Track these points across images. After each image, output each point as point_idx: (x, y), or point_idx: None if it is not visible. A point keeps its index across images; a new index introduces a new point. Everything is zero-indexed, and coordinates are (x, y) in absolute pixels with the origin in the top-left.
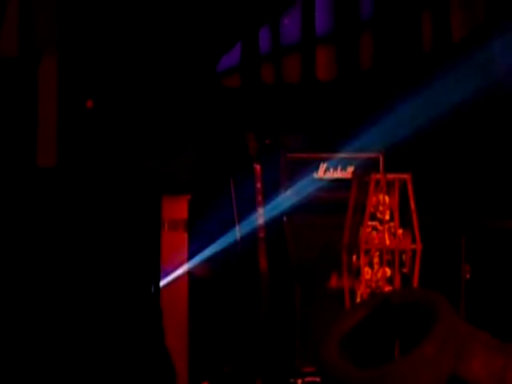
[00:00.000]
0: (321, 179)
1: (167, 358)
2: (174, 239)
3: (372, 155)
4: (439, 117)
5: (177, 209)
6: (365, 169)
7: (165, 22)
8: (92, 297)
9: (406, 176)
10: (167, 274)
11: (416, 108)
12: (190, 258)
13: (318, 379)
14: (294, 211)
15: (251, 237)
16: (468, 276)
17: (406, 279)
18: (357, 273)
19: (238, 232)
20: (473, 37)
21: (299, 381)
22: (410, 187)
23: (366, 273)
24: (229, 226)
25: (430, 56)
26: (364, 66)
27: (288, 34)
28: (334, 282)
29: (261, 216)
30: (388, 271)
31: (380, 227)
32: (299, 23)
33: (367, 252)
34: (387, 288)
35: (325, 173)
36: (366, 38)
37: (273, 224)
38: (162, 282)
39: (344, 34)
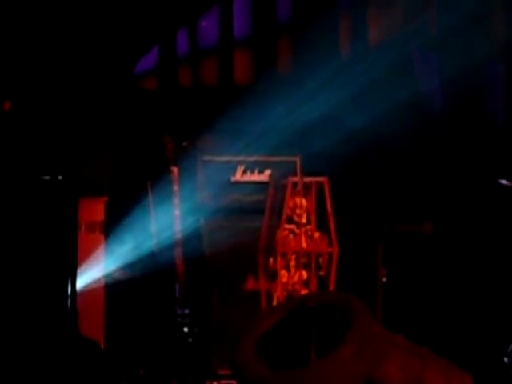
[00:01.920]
0: (238, 182)
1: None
2: (91, 241)
3: (289, 158)
4: (356, 121)
5: (94, 211)
6: (282, 172)
7: (83, 25)
8: (7, 297)
9: (323, 179)
10: (84, 275)
11: (334, 112)
12: (106, 259)
13: (233, 381)
14: (211, 214)
15: (168, 239)
16: (384, 279)
17: (323, 282)
18: (273, 275)
19: (154, 234)
20: (390, 41)
21: (215, 383)
22: (327, 190)
23: (283, 276)
24: (146, 229)
25: (346, 59)
26: (281, 70)
27: (206, 37)
28: (250, 284)
29: (178, 218)
30: (305, 274)
31: (297, 230)
32: (217, 26)
33: (284, 255)
34: (304, 291)
35: (242, 175)
36: (284, 41)
37: (190, 226)
38: (79, 283)
39: (262, 37)
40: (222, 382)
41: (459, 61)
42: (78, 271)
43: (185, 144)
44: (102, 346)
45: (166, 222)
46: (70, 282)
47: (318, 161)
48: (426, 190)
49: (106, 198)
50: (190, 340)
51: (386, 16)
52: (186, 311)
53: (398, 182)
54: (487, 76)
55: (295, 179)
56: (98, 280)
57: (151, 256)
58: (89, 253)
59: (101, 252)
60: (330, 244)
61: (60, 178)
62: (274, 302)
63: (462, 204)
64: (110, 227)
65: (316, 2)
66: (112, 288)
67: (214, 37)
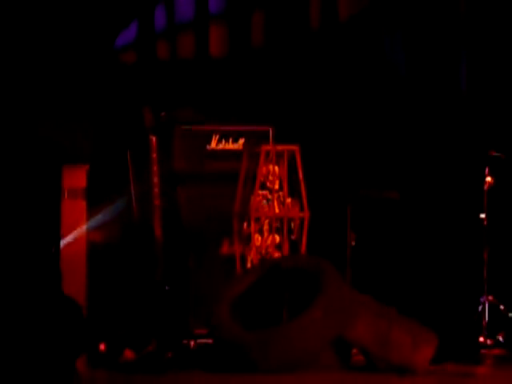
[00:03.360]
0: (213, 150)
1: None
2: (74, 206)
3: (262, 127)
4: (325, 92)
5: (76, 178)
6: (255, 140)
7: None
8: None
9: (294, 147)
10: (67, 238)
11: (304, 83)
12: (88, 224)
13: (209, 341)
14: (188, 180)
15: (147, 205)
16: (353, 242)
17: (295, 246)
18: (247, 239)
19: (134, 201)
20: (360, 17)
21: (192, 342)
22: (298, 158)
23: (256, 239)
24: (126, 195)
25: (318, 34)
26: (255, 43)
27: (182, 12)
28: (225, 248)
29: (156, 185)
30: (277, 238)
31: (270, 196)
32: (193, 1)
33: (257, 220)
34: (277, 254)
35: (217, 144)
36: (258, 17)
37: (167, 192)
38: (62, 246)
39: (236, 12)
40: (199, 341)
41: (424, 37)
42: (62, 235)
43: (162, 114)
44: (84, 304)
45: (144, 188)
46: (53, 242)
47: (289, 130)
48: (393, 157)
49: (87, 166)
50: (168, 301)
51: None
52: (164, 273)
53: (366, 150)
54: (450, 50)
55: (268, 147)
56: (80, 242)
57: (131, 220)
58: (71, 217)
59: (83, 217)
60: (302, 209)
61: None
62: (248, 265)
63: (426, 171)
64: (92, 193)
65: None
66: (93, 250)
67: (189, 12)
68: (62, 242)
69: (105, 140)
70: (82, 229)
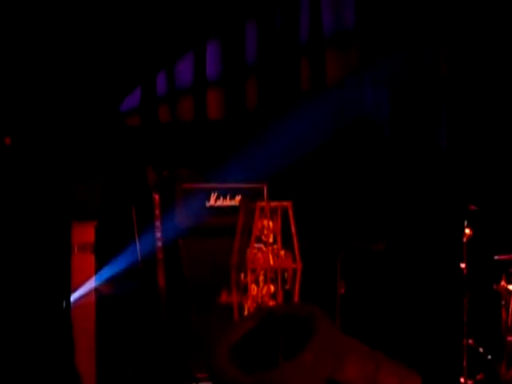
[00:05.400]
0: (212, 206)
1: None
2: (83, 260)
3: (257, 185)
4: (315, 151)
5: (85, 233)
6: (251, 197)
7: (75, 69)
8: (6, 311)
9: (287, 204)
10: (77, 291)
11: (295, 142)
12: (96, 277)
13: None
14: (189, 235)
15: (151, 258)
16: (343, 291)
17: (288, 295)
18: (244, 289)
19: (139, 254)
20: (345, 77)
21: None
22: (290, 213)
23: (253, 289)
24: (131, 248)
25: (307, 94)
26: (249, 106)
27: (182, 78)
28: (224, 297)
29: (159, 239)
30: (272, 288)
31: (265, 249)
32: (192, 68)
33: (253, 271)
34: (271, 303)
35: (216, 201)
36: (251, 81)
37: (170, 246)
38: (72, 298)
39: (231, 77)
40: (200, 383)
41: (407, 94)
42: (72, 287)
43: (165, 173)
44: (95, 352)
45: (148, 242)
46: (64, 297)
47: (282, 187)
48: (379, 212)
49: (95, 222)
50: (172, 347)
51: (343, 56)
52: (168, 321)
53: (354, 205)
54: (431, 110)
55: (262, 204)
56: (89, 295)
57: (136, 273)
58: (81, 271)
59: (91, 270)
60: (294, 261)
61: (55, 204)
62: (246, 313)
63: (410, 224)
64: (100, 248)
65: (279, 45)
66: (102, 302)
67: (189, 78)
68: (73, 297)
69: (111, 197)
70: (91, 283)
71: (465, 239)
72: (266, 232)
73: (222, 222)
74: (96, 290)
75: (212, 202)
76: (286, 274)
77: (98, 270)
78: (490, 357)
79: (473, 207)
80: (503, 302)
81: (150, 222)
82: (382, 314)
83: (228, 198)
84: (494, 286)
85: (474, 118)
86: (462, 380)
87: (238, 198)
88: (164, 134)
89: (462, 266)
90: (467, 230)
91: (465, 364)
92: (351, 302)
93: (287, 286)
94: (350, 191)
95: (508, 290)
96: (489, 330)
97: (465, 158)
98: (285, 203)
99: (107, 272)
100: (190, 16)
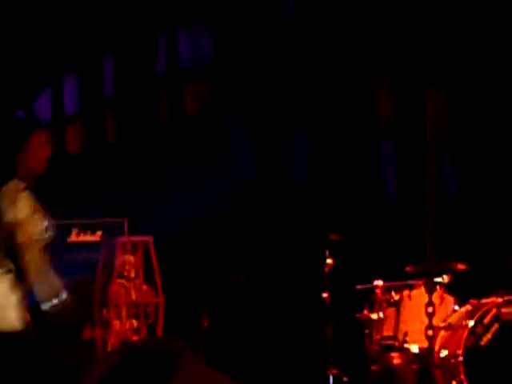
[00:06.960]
0: (73, 242)
1: None
2: None
3: (118, 220)
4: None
5: None
6: (112, 232)
7: None
8: None
9: (148, 239)
10: None
11: (153, 175)
12: None
13: None
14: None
15: None
16: (206, 324)
17: (152, 329)
18: (107, 325)
19: None
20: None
21: None
22: (151, 248)
23: (115, 325)
24: None
25: (167, 127)
26: (109, 139)
27: (41, 115)
28: (87, 333)
29: None
30: (135, 323)
31: (127, 284)
32: (50, 105)
33: (116, 306)
34: (135, 337)
35: (77, 236)
36: (110, 115)
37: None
38: None
39: (90, 111)
40: None
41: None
42: None
43: None
44: None
45: None
46: None
47: (144, 222)
48: (240, 242)
49: None
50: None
51: (201, 90)
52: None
53: (217, 239)
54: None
55: (124, 239)
56: None
57: None
58: None
59: None
60: (157, 295)
61: None
62: (109, 349)
63: (272, 256)
64: None
65: (138, 78)
66: None
67: (47, 114)
68: None
69: None
70: None
71: (327, 269)
72: (127, 267)
73: (83, 257)
74: None
75: (73, 237)
76: (148, 309)
77: None
78: None
79: (334, 237)
80: (367, 331)
81: None
82: (246, 345)
83: (89, 233)
84: (357, 315)
85: (331, 150)
86: None
87: (99, 233)
88: None
89: (325, 295)
90: (329, 260)
91: None
92: (215, 334)
93: (150, 321)
94: (211, 221)
95: (371, 318)
96: (353, 358)
97: (325, 188)
98: (146, 238)
99: None
100: (46, 52)
